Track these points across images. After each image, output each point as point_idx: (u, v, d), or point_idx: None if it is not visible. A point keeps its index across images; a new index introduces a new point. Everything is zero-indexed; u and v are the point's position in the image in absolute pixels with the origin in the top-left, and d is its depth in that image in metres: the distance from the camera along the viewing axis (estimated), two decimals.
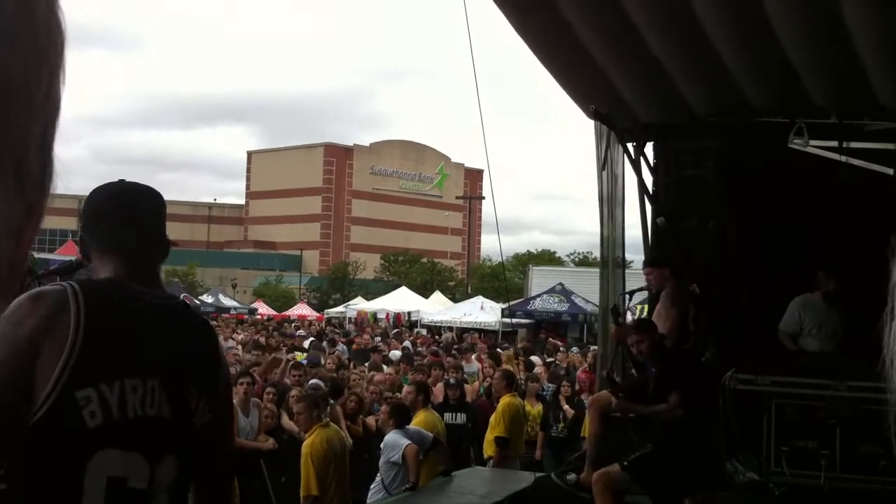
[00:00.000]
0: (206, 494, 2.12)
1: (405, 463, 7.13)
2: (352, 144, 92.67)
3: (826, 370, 6.60)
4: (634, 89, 7.31)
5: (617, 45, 6.55)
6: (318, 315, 41.11)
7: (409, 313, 34.71)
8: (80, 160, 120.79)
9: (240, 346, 17.00)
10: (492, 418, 9.43)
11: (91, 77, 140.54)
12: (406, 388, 9.63)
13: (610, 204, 8.05)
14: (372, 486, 7.42)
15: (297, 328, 29.82)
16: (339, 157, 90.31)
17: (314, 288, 64.47)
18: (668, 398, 5.95)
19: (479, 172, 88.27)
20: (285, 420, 8.81)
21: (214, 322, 27.49)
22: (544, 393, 11.58)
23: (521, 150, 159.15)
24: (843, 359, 6.75)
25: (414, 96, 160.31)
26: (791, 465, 6.53)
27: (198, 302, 37.56)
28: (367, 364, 14.20)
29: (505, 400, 9.48)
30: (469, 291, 48.73)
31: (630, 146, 8.10)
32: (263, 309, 43.64)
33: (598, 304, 10.35)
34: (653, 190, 8.22)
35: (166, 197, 2.26)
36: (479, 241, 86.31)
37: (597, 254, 9.26)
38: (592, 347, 18.24)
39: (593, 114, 7.55)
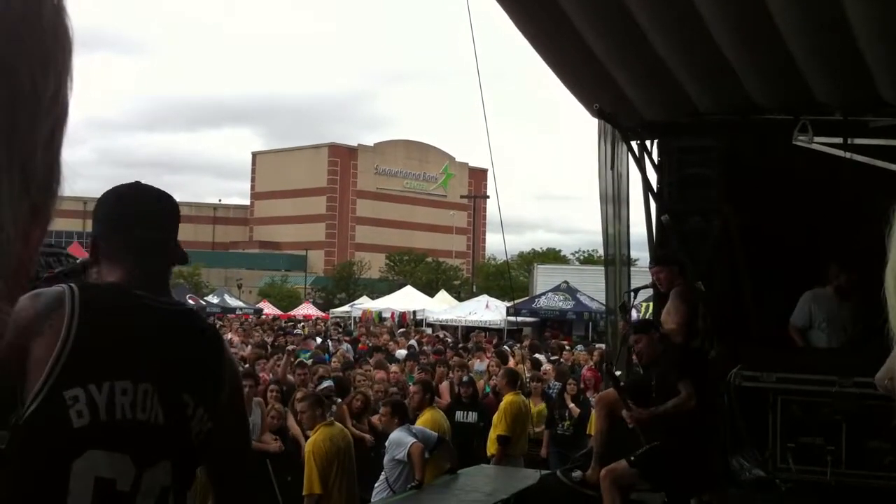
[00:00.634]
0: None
1: (410, 461, 7.13)
2: (356, 145, 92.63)
3: (832, 366, 6.58)
4: (638, 88, 7.30)
5: (621, 44, 6.54)
6: (323, 314, 41.18)
7: (414, 312, 34.71)
8: (86, 162, 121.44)
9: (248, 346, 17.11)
10: (494, 416, 9.46)
11: (96, 79, 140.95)
12: (412, 388, 9.64)
13: (615, 202, 8.05)
14: (377, 485, 7.41)
15: (299, 326, 29.84)
16: (343, 157, 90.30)
17: (319, 288, 64.46)
18: (673, 393, 5.95)
19: (484, 172, 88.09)
20: (290, 422, 8.82)
21: (220, 322, 27.55)
22: (550, 391, 11.58)
23: (526, 149, 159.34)
24: (848, 355, 6.74)
25: (417, 96, 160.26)
26: (797, 461, 6.52)
27: (203, 302, 37.75)
28: (371, 361, 14.22)
29: (508, 398, 9.49)
30: (474, 290, 48.66)
31: (634, 144, 8.09)
32: (269, 309, 43.82)
33: (603, 301, 10.34)
34: (657, 188, 8.22)
35: None
36: (483, 240, 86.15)
37: (601, 252, 9.24)
38: (598, 345, 18.24)
39: (597, 112, 7.55)
